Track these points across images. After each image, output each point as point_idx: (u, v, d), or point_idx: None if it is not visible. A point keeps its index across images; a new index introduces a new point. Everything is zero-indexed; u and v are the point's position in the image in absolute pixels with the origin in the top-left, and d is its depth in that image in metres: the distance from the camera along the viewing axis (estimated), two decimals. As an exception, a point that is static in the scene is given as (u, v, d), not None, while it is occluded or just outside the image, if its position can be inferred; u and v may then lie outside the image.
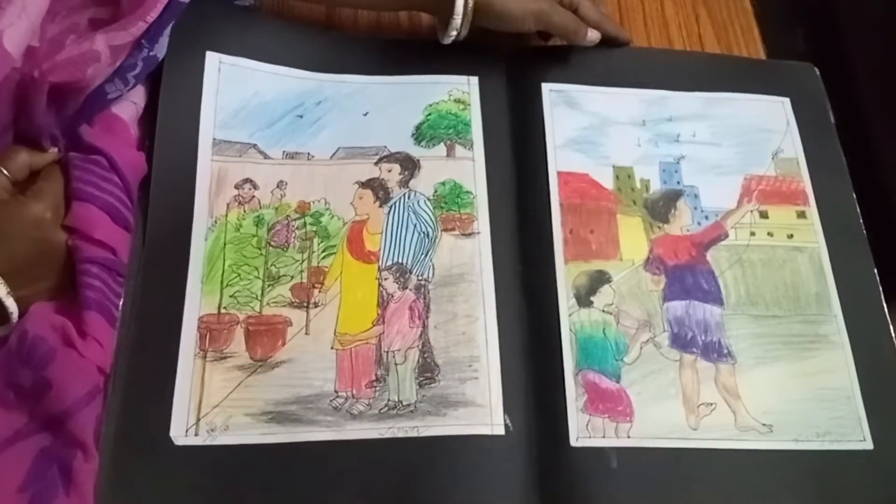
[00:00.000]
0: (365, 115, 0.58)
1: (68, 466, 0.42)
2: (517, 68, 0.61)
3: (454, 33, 0.56)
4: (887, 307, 0.56)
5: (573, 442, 0.49)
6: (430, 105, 0.58)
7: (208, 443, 0.46)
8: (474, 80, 0.59)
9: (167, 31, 0.52)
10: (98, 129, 0.50)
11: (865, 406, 0.52)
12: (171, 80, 0.53)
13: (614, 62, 0.62)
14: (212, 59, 0.55)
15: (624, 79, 0.62)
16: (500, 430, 0.48)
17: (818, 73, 0.64)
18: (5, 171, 0.46)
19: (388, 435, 0.48)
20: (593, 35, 0.60)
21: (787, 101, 0.63)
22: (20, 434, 0.43)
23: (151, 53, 0.51)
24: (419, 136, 0.57)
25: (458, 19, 0.55)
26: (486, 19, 0.56)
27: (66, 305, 0.46)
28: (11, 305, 0.43)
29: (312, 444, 0.47)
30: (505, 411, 0.49)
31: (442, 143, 0.57)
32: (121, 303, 0.48)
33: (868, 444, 0.51)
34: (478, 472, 0.47)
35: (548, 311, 0.53)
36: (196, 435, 0.47)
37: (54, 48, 0.46)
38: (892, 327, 0.55)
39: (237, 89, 0.56)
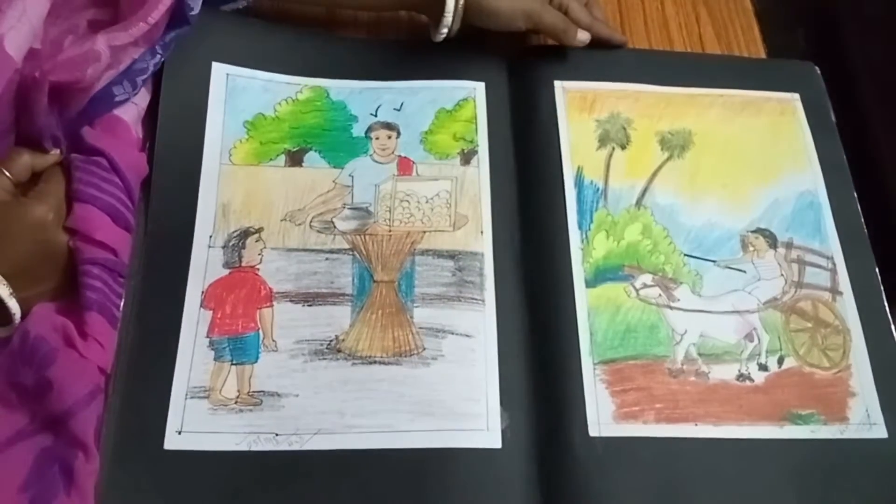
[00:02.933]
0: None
1: (69, 466, 0.42)
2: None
3: (445, 30, 0.57)
4: (888, 307, 0.56)
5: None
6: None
7: (209, 443, 0.47)
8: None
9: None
10: (99, 131, 0.50)
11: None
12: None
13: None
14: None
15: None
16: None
17: (819, 71, 0.64)
18: (7, 173, 0.46)
19: None
20: (583, 36, 0.60)
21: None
22: (21, 434, 0.43)
23: (165, 59, 0.52)
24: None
25: (448, 16, 0.56)
26: (477, 17, 0.57)
27: (68, 306, 0.46)
28: (14, 307, 0.43)
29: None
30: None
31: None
32: (122, 303, 0.48)
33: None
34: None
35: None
36: (197, 435, 0.47)
37: (55, 50, 0.46)
38: (892, 326, 0.55)
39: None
